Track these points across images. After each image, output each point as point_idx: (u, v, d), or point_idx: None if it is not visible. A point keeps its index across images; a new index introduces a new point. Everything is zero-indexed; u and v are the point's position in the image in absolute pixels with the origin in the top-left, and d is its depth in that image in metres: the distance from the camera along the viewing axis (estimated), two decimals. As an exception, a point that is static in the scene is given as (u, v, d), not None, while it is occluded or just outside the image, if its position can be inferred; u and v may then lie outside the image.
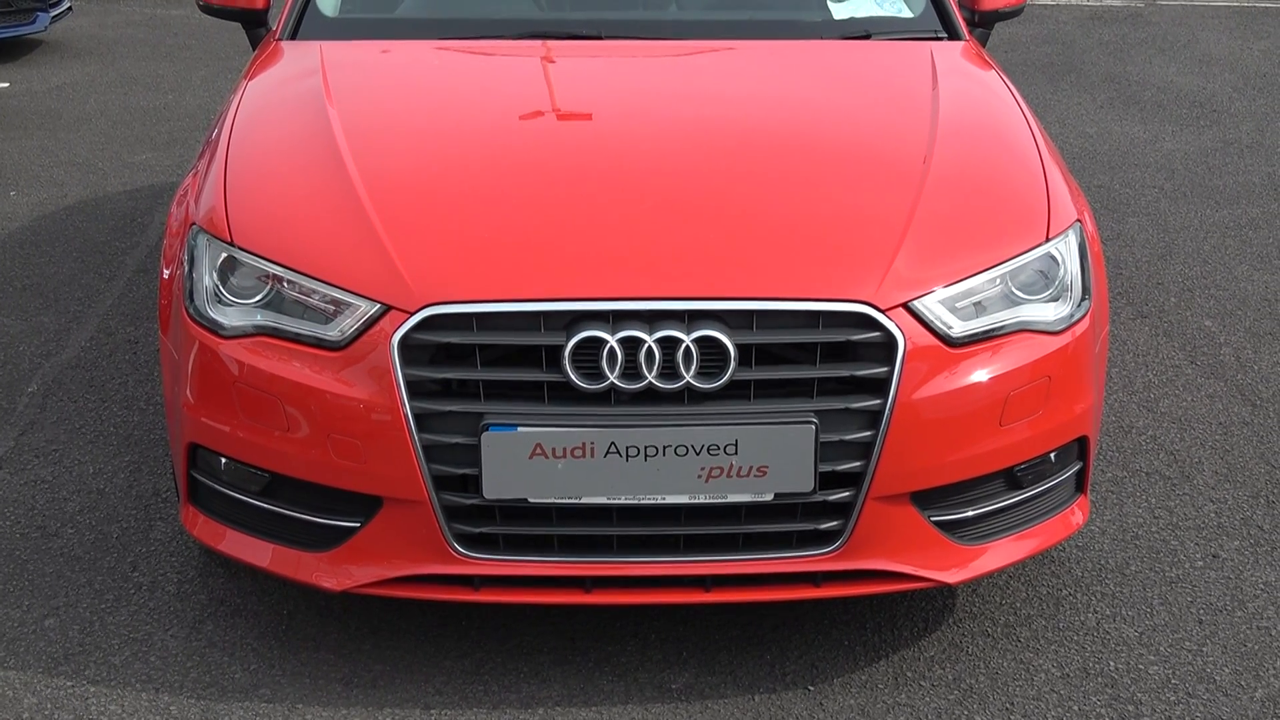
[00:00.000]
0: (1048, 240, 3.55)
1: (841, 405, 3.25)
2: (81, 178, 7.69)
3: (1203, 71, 10.36)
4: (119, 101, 9.42)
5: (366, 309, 3.28)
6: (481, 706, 3.45)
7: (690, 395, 3.23)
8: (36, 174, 7.75)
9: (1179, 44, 11.30)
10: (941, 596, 3.85)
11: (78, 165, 7.93)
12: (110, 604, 3.83)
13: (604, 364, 3.19)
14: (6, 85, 9.85)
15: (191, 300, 3.50)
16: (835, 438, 3.24)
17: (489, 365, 3.24)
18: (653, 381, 3.20)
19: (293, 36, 4.72)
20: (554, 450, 3.19)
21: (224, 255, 3.49)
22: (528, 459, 3.20)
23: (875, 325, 3.26)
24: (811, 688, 3.52)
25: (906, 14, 4.92)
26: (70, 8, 11.47)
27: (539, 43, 4.63)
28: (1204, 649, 3.69)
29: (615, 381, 3.20)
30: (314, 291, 3.36)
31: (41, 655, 3.63)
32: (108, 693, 3.50)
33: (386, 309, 3.26)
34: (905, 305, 3.30)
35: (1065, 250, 3.57)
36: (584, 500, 3.26)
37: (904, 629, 3.73)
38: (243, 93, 4.27)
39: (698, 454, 3.21)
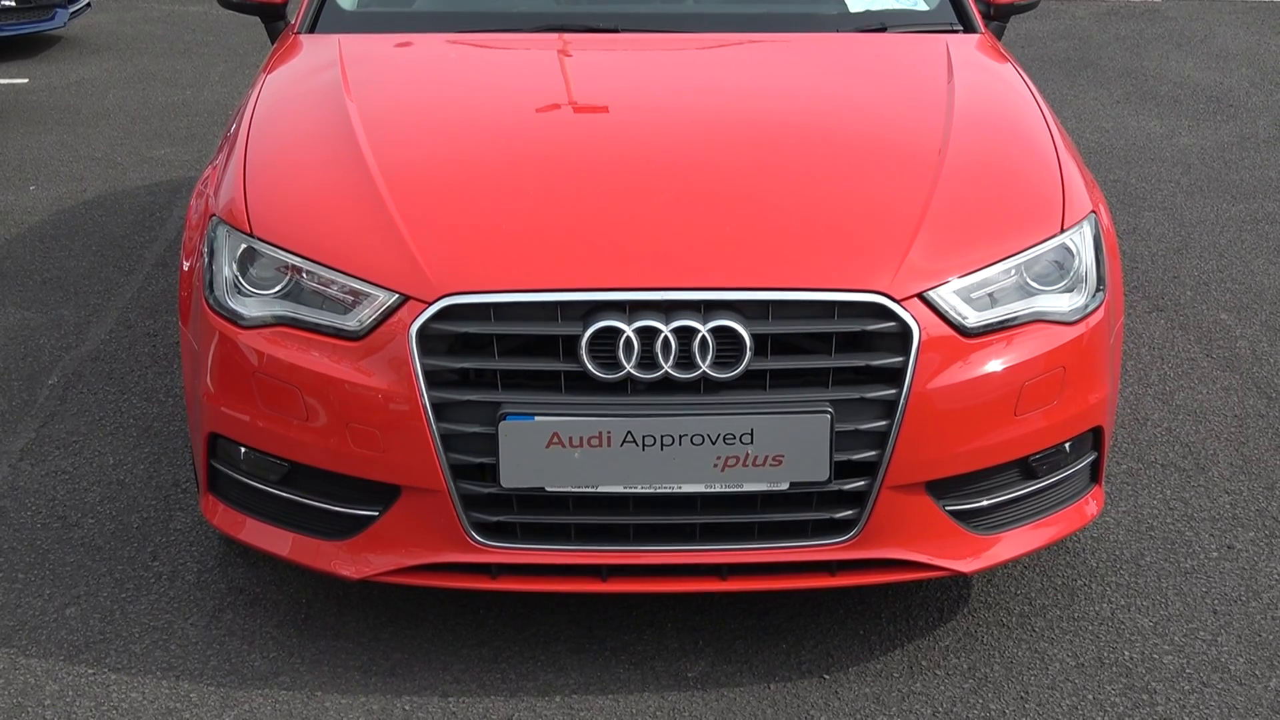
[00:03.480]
0: (1063, 231, 3.56)
1: (857, 395, 3.26)
2: (101, 172, 7.73)
3: (1219, 66, 10.35)
4: (138, 97, 9.46)
5: (385, 299, 3.30)
6: (499, 694, 3.47)
7: (706, 385, 3.24)
8: (56, 169, 7.79)
9: (1196, 39, 11.29)
10: (956, 586, 3.86)
11: (97, 160, 7.97)
12: (130, 593, 3.86)
13: (620, 354, 3.21)
14: (26, 81, 9.90)
15: (211, 291, 3.53)
16: (850, 427, 3.26)
17: (506, 355, 3.26)
18: (669, 371, 3.22)
19: (311, 30, 4.75)
20: (571, 439, 3.21)
21: (243, 246, 3.52)
22: (545, 448, 3.22)
23: (890, 315, 3.28)
24: (827, 676, 3.54)
25: (922, 7, 4.93)
26: (89, 4, 11.52)
27: (556, 36, 4.65)
28: (1218, 639, 3.70)
29: (632, 371, 3.21)
30: (333, 282, 3.38)
31: (63, 644, 3.66)
32: (128, 680, 3.53)
33: (405, 299, 3.28)
34: (920, 295, 3.31)
35: (1080, 241, 3.58)
36: (600, 489, 3.28)
37: (919, 618, 3.75)
38: (262, 86, 4.30)
39: (714, 443, 3.22)
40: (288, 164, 3.81)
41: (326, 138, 3.85)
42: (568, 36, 4.64)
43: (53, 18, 10.84)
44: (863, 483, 3.31)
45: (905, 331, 3.28)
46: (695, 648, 3.63)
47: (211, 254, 3.58)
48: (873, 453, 3.29)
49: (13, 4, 10.51)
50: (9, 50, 10.70)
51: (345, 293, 3.36)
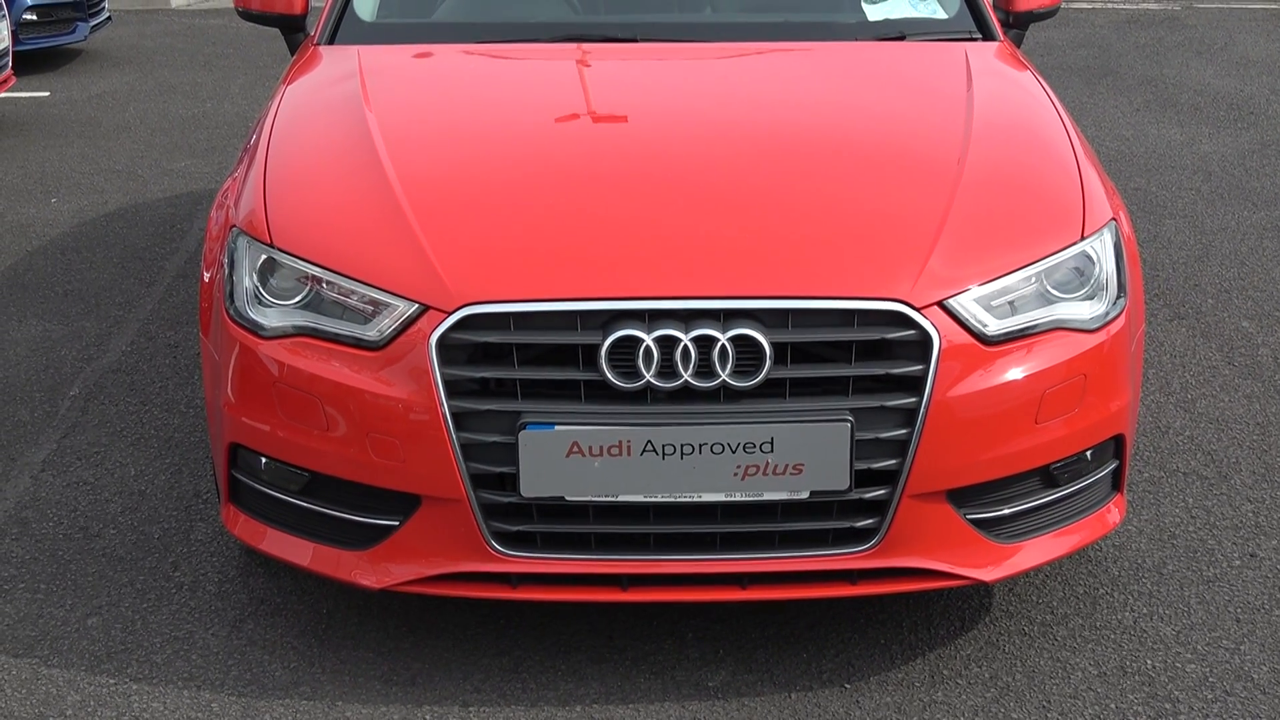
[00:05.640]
0: (1083, 239, 3.55)
1: (877, 403, 3.26)
2: (121, 185, 7.76)
3: (1240, 74, 10.32)
4: (158, 109, 9.50)
5: (405, 309, 3.31)
6: (519, 704, 3.47)
7: (726, 393, 3.24)
8: (77, 181, 7.83)
9: (1216, 46, 11.26)
10: (978, 595, 3.85)
11: (118, 172, 8.00)
12: (152, 603, 3.87)
13: (640, 363, 3.21)
14: (47, 94, 9.94)
15: (232, 301, 3.54)
16: (871, 435, 3.25)
17: (526, 364, 3.26)
18: (689, 380, 3.22)
19: (331, 41, 4.77)
20: (591, 448, 3.21)
21: (264, 257, 3.53)
22: (565, 457, 3.22)
23: (910, 323, 3.27)
24: (848, 685, 3.53)
25: (941, 15, 4.93)
26: (109, 17, 11.58)
27: (574, 45, 4.66)
28: (1241, 648, 3.68)
29: (651, 380, 3.21)
30: (353, 292, 3.39)
31: (84, 654, 3.67)
32: (150, 690, 3.53)
33: (424, 309, 3.29)
34: (940, 303, 3.31)
35: (1100, 248, 3.57)
36: (620, 498, 3.28)
37: (940, 627, 3.74)
38: (281, 97, 4.31)
39: (734, 452, 3.22)
40: (308, 175, 3.82)
41: (346, 148, 3.86)
42: (587, 46, 4.65)
43: (73, 31, 10.91)
44: (883, 491, 3.31)
45: (925, 339, 3.27)
46: (716, 657, 3.63)
47: (232, 265, 3.59)
48: (893, 461, 3.28)
49: (34, 18, 10.56)
50: (30, 64, 10.75)
51: (365, 303, 3.37)
